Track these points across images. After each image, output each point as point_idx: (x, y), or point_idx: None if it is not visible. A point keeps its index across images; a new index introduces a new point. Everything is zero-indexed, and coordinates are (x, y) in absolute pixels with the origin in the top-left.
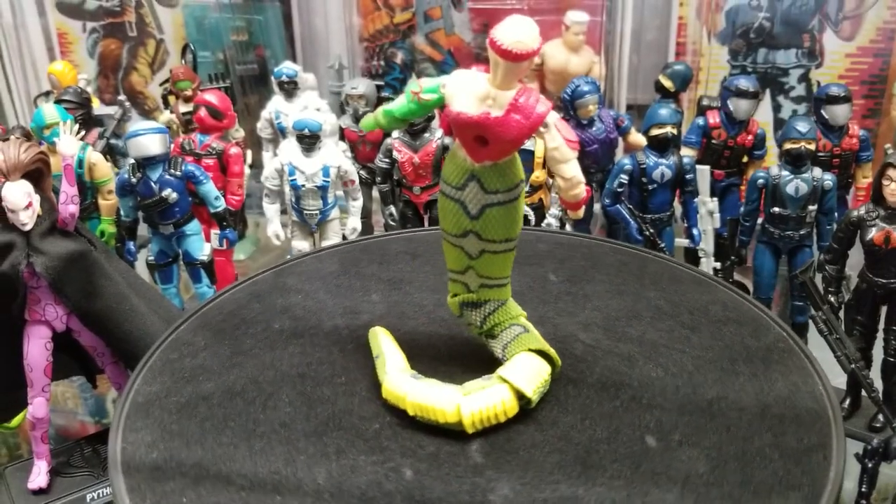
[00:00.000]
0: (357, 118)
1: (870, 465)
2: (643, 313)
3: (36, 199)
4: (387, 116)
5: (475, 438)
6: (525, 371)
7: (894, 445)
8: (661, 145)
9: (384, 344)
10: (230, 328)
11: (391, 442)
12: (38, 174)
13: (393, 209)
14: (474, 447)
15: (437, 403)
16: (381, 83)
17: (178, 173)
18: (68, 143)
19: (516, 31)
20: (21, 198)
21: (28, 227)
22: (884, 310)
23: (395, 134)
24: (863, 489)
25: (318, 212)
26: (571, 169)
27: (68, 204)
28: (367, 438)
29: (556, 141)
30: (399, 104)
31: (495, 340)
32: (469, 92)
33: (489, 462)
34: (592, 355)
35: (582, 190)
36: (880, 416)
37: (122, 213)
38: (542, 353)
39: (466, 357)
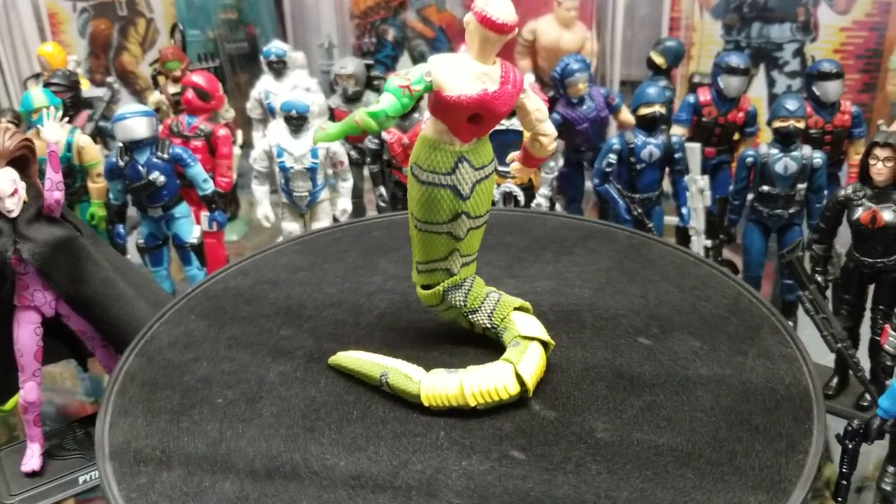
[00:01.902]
0: (347, 98)
1: (850, 446)
2: (620, 293)
3: (21, 185)
4: (379, 117)
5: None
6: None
7: (874, 426)
8: (650, 124)
9: (375, 360)
10: (218, 313)
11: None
12: (23, 161)
13: (383, 190)
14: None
15: (496, 383)
16: (371, 62)
17: (165, 156)
18: (52, 130)
19: (502, 6)
20: (6, 185)
21: (14, 214)
22: (871, 289)
23: None
24: (843, 469)
25: (307, 193)
26: (551, 125)
27: (53, 190)
28: (352, 422)
29: (537, 102)
30: (391, 103)
31: (478, 314)
32: (461, 73)
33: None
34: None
35: (554, 145)
36: (867, 395)
37: (111, 196)
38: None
39: (447, 340)
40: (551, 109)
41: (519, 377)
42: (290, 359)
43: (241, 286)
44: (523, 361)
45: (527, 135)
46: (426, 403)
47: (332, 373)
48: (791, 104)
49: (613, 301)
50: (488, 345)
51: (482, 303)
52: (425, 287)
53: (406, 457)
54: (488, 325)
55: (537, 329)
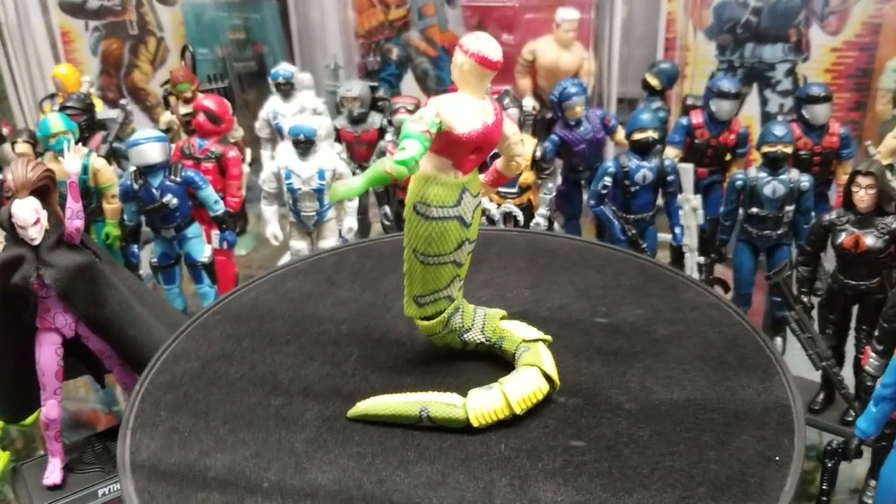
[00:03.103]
0: (353, 119)
1: (829, 465)
2: (608, 310)
3: (43, 214)
4: (410, 164)
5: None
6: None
7: (853, 446)
8: (643, 149)
9: (404, 399)
10: (233, 333)
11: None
12: (44, 191)
13: (388, 209)
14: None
15: (532, 387)
16: (375, 84)
17: (178, 179)
18: (72, 162)
19: (490, 44)
20: (30, 214)
21: (37, 242)
22: (855, 309)
23: (389, 137)
24: (824, 487)
25: (314, 213)
26: (522, 147)
27: (73, 219)
28: (414, 462)
29: (513, 127)
30: (418, 149)
31: (472, 331)
32: (465, 110)
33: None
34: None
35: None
36: (852, 411)
37: (125, 217)
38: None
39: (435, 362)
40: (550, 131)
41: (546, 375)
42: (303, 379)
43: (252, 307)
44: (543, 361)
45: (501, 158)
46: (476, 424)
47: (358, 386)
48: (779, 130)
49: (574, 302)
50: (479, 358)
51: (473, 320)
52: (428, 318)
53: (488, 476)
54: (482, 340)
55: (533, 331)
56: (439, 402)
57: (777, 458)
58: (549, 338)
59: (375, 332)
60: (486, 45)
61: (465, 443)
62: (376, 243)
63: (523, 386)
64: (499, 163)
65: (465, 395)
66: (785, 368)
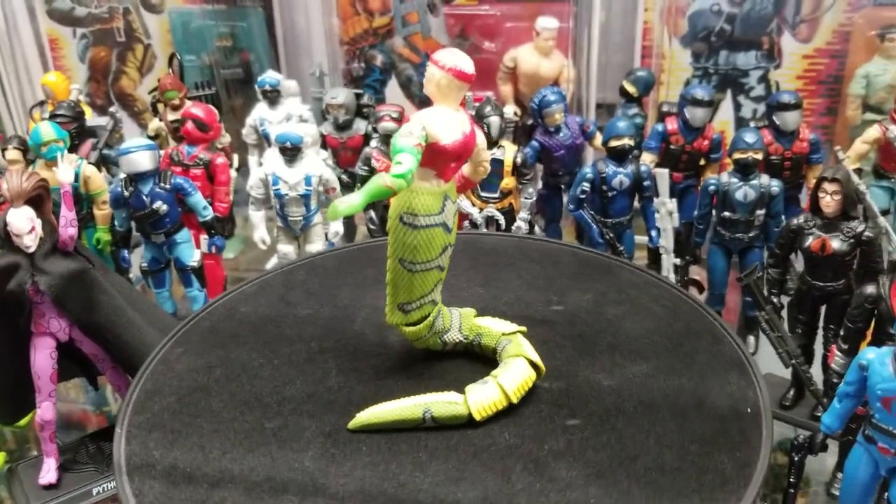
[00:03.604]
0: (338, 126)
1: (796, 458)
2: (560, 298)
3: (38, 223)
4: (407, 177)
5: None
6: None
7: (818, 440)
8: (620, 155)
9: (406, 403)
10: (201, 364)
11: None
12: (39, 200)
13: (373, 214)
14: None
15: (523, 376)
16: (360, 91)
17: (167, 186)
18: (66, 172)
19: (465, 59)
20: (24, 223)
21: (32, 250)
22: (823, 309)
23: (374, 143)
24: (791, 480)
25: (301, 218)
26: (487, 153)
27: (67, 227)
28: (427, 462)
29: (481, 135)
30: (413, 161)
31: (451, 332)
32: (447, 122)
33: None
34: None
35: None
36: (821, 407)
37: (116, 223)
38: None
39: (413, 365)
40: (530, 137)
41: (532, 363)
42: (291, 380)
43: (243, 310)
44: (527, 351)
45: (469, 164)
46: (478, 418)
47: (345, 389)
48: (749, 137)
49: (527, 294)
50: (456, 357)
51: (451, 321)
52: (413, 323)
53: (502, 465)
54: (461, 339)
55: (507, 324)
56: (441, 402)
57: (749, 410)
58: (524, 329)
59: (348, 346)
60: (461, 59)
61: (470, 437)
62: (318, 259)
63: (515, 376)
64: (466, 168)
65: (461, 392)
66: (727, 327)
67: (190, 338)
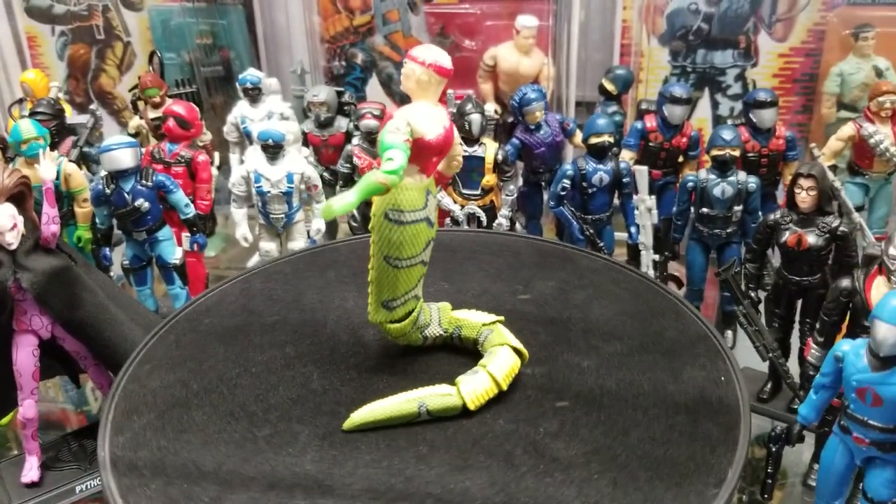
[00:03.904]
0: (320, 124)
1: (774, 449)
2: (525, 287)
3: (20, 220)
4: (399, 172)
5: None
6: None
7: (795, 431)
8: (600, 152)
9: (399, 399)
10: (175, 379)
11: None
12: (21, 197)
13: (355, 211)
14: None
15: (509, 363)
16: (342, 89)
17: (149, 183)
18: (48, 169)
19: (443, 54)
20: (6, 220)
21: (13, 247)
22: (800, 303)
23: (355, 141)
24: (769, 470)
25: (283, 215)
26: (460, 148)
27: (50, 224)
28: (428, 456)
29: (455, 130)
30: (404, 157)
31: (431, 326)
32: (429, 118)
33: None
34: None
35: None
36: (797, 399)
37: (97, 221)
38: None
39: (395, 361)
40: (511, 135)
41: (516, 350)
42: (273, 373)
43: (225, 307)
44: (509, 338)
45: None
46: (472, 407)
47: (328, 386)
48: (727, 135)
49: (493, 285)
50: (434, 351)
51: (431, 315)
52: (398, 320)
53: (502, 450)
54: (441, 333)
55: (485, 315)
56: (435, 395)
57: (723, 378)
58: (502, 318)
59: (324, 349)
60: (439, 55)
61: (466, 427)
62: (272, 266)
63: (503, 363)
64: (441, 163)
65: (450, 384)
66: (686, 303)
67: (155, 354)
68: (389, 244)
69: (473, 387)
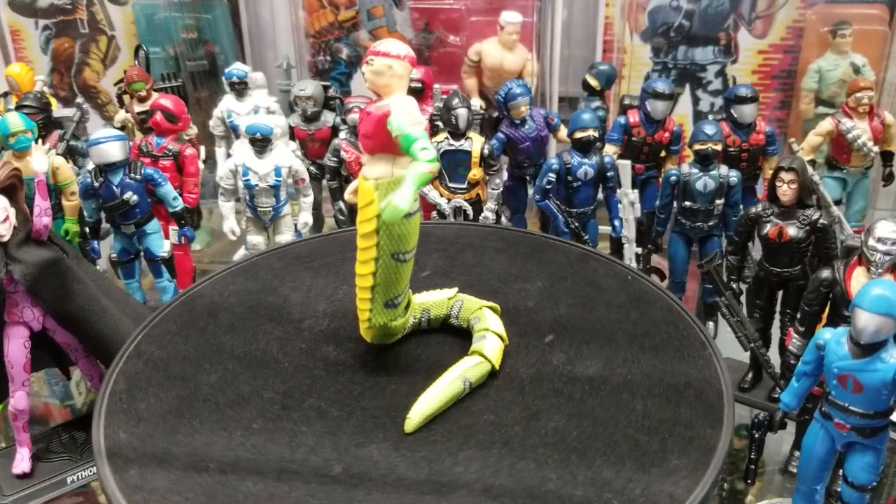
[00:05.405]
0: (307, 118)
1: (757, 436)
2: (548, 295)
3: (12, 212)
4: (436, 160)
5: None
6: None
7: (777, 418)
8: (584, 147)
9: (445, 382)
10: (198, 323)
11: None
12: (12, 189)
13: (342, 204)
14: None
15: (498, 324)
16: (328, 83)
17: (137, 177)
18: (40, 161)
19: (405, 45)
20: None
21: (5, 239)
22: (780, 294)
23: (343, 135)
24: (752, 456)
25: (271, 209)
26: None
27: (42, 216)
28: (437, 434)
29: None
30: (431, 145)
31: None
32: (415, 108)
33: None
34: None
35: None
36: (778, 388)
37: (85, 214)
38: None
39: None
40: (496, 129)
41: (490, 307)
42: (266, 362)
43: (215, 298)
44: (482, 301)
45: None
46: (497, 367)
47: (321, 371)
48: (709, 129)
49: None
50: (407, 341)
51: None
52: (399, 316)
53: (488, 440)
54: (412, 321)
55: (445, 291)
56: (470, 367)
57: (706, 351)
58: (456, 288)
59: (314, 357)
60: (406, 46)
61: (466, 423)
62: (260, 259)
63: (493, 324)
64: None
65: (446, 366)
66: (667, 292)
67: (147, 346)
68: (399, 240)
69: (493, 348)
